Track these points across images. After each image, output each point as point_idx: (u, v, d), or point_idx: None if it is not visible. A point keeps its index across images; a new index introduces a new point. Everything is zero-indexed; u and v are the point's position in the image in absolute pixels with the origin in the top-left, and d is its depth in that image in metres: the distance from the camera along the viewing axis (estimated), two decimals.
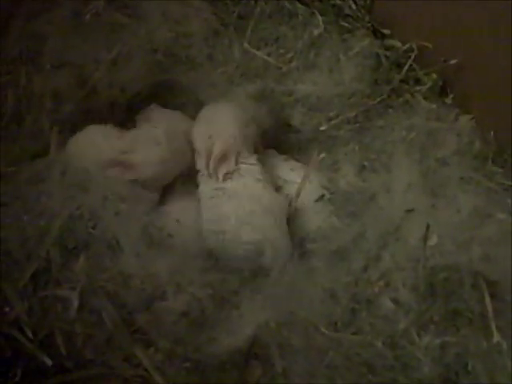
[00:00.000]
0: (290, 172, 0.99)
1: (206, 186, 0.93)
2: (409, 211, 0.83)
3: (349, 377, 0.69)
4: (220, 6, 1.05)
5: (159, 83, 1.01)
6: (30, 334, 0.63)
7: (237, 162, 0.92)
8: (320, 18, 1.04)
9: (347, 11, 1.07)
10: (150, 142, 0.94)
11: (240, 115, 0.96)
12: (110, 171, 0.90)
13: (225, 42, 1.02)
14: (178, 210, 0.94)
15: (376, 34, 1.06)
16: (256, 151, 0.97)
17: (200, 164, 0.94)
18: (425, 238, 0.78)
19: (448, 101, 1.03)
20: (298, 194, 0.95)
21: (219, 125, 0.94)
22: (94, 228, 0.74)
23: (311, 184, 0.96)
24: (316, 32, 1.03)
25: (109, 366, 0.65)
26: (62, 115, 0.92)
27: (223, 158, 0.91)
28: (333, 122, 1.00)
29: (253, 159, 0.94)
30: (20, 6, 0.94)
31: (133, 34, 0.98)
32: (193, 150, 0.96)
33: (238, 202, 0.89)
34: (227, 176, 0.92)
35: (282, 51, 1.03)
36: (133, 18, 0.99)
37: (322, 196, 0.94)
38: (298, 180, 0.96)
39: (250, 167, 0.93)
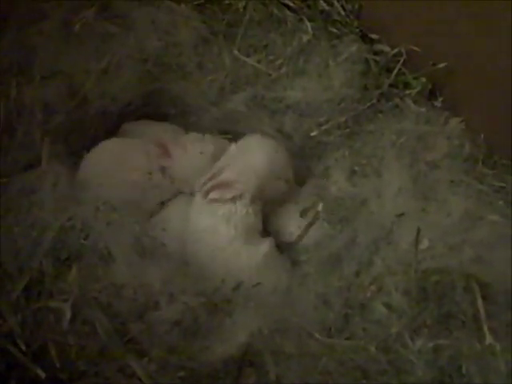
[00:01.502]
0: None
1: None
2: (400, 215, 0.84)
3: (343, 382, 0.69)
4: (209, 14, 1.05)
5: (150, 92, 1.02)
6: (23, 347, 0.63)
7: (233, 200, 0.88)
8: (309, 24, 1.05)
9: (335, 17, 1.07)
10: (197, 148, 0.96)
11: (278, 168, 0.93)
12: (151, 148, 0.95)
13: (214, 49, 1.03)
14: (171, 219, 0.94)
15: (364, 39, 1.07)
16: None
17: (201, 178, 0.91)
18: (416, 242, 0.78)
19: (437, 104, 1.04)
20: (300, 238, 0.92)
21: (250, 160, 0.91)
22: (85, 239, 0.74)
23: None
24: (305, 38, 1.03)
25: (103, 376, 0.65)
26: (53, 126, 0.92)
27: (224, 185, 0.89)
28: (323, 128, 1.00)
29: (245, 209, 0.89)
30: (10, 18, 0.94)
31: (123, 44, 0.98)
32: None
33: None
34: (213, 201, 0.88)
35: (271, 58, 1.03)
36: (122, 28, 0.99)
37: (314, 204, 0.94)
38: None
39: (235, 214, 0.89)
